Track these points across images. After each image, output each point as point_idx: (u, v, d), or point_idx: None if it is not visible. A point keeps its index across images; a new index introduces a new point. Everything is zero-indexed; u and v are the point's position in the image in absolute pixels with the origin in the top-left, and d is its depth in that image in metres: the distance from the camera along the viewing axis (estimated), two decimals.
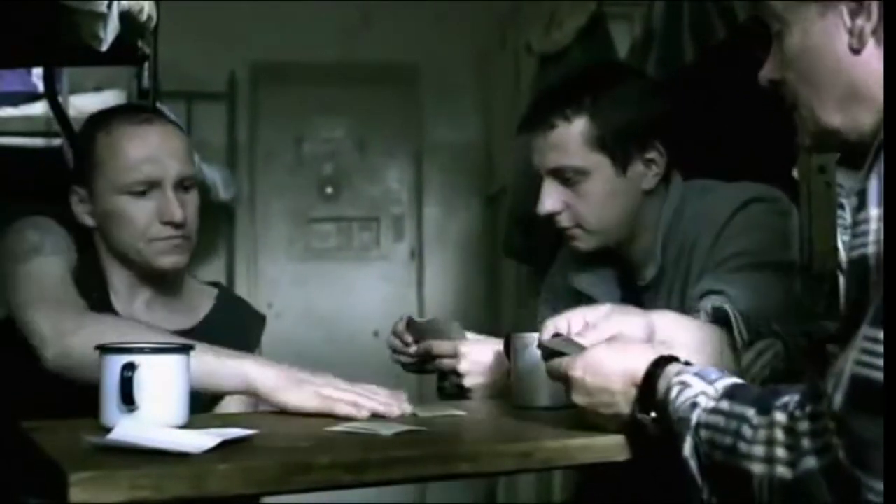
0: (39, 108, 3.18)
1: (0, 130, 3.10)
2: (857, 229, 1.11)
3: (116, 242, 1.88)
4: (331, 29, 5.18)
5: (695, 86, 2.66)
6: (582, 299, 1.96)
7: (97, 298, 1.83)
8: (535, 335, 1.61)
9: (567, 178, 1.88)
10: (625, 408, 1.31)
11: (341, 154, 5.42)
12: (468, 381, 1.80)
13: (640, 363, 1.30)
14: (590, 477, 2.08)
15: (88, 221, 1.89)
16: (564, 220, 1.92)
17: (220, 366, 1.58)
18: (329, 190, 5.41)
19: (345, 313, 5.29)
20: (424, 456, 1.28)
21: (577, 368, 1.35)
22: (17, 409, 1.64)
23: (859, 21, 1.19)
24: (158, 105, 2.12)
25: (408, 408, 1.56)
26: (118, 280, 1.92)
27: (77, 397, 1.51)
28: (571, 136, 1.86)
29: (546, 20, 3.91)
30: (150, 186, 1.85)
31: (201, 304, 2.02)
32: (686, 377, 1.23)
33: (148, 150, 1.85)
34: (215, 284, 2.10)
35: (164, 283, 1.94)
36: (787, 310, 1.72)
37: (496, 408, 1.68)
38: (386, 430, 1.39)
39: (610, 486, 1.91)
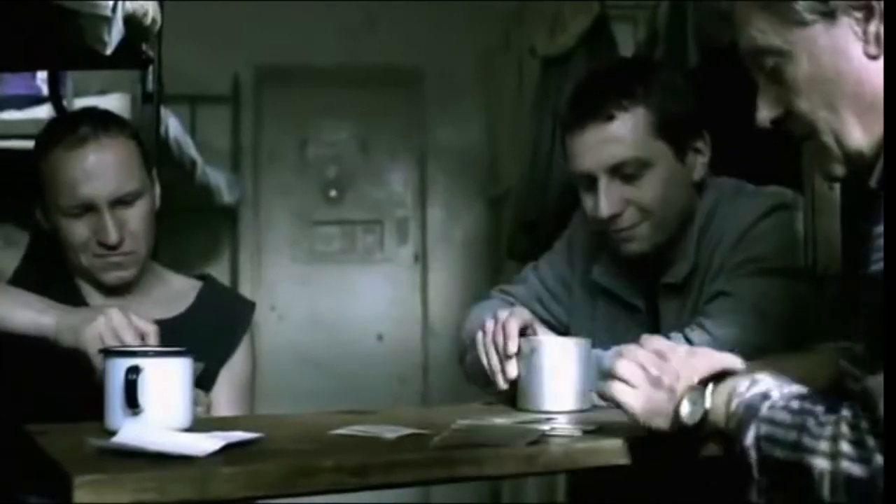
0: (44, 112, 3.18)
1: (5, 134, 3.10)
2: (877, 243, 1.09)
3: (67, 257, 1.90)
4: (334, 32, 5.18)
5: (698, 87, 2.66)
6: (597, 292, 1.94)
7: (66, 298, 1.84)
8: (541, 338, 1.61)
9: (627, 173, 1.77)
10: (671, 401, 1.27)
11: (345, 157, 5.42)
12: None
13: (709, 367, 1.28)
14: (584, 479, 2.07)
15: (47, 229, 1.92)
16: (627, 220, 1.80)
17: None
18: (333, 193, 5.41)
19: (348, 316, 5.29)
20: (428, 459, 1.28)
21: (643, 351, 1.32)
22: (21, 411, 1.65)
23: (872, 26, 1.16)
24: (102, 107, 2.08)
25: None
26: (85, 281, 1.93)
27: (81, 400, 1.51)
28: (633, 126, 1.76)
29: (550, 23, 3.91)
30: (85, 209, 1.85)
31: (184, 295, 2.02)
32: (759, 376, 1.21)
33: (81, 172, 1.84)
34: (203, 277, 2.10)
35: (140, 282, 1.95)
36: (797, 317, 1.71)
37: (501, 412, 1.69)
38: (389, 433, 1.39)
39: (602, 489, 1.90)
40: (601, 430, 1.42)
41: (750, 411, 1.17)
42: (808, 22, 1.20)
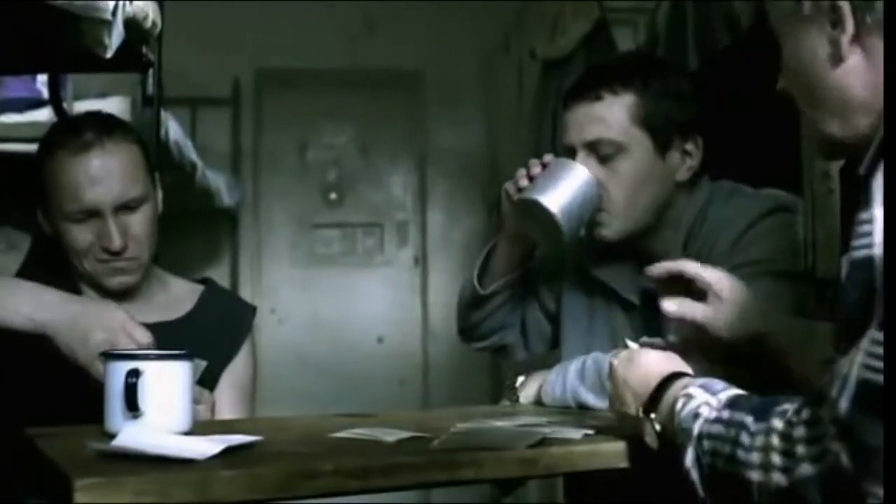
0: (44, 115, 3.18)
1: (5, 137, 3.10)
2: (859, 229, 1.09)
3: (68, 260, 1.91)
4: (335, 35, 5.19)
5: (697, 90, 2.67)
6: (594, 287, 1.96)
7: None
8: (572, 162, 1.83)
9: (603, 154, 1.83)
10: (633, 409, 1.33)
11: (345, 160, 5.42)
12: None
13: (662, 372, 1.32)
14: (579, 479, 2.07)
15: (49, 232, 1.92)
16: None
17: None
18: (333, 196, 5.41)
19: (348, 319, 5.29)
20: (428, 462, 1.28)
21: (621, 360, 1.40)
22: (21, 414, 1.65)
23: (835, 32, 1.20)
24: (105, 111, 2.08)
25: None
26: (87, 285, 1.94)
27: (82, 403, 1.51)
28: (616, 109, 1.83)
29: (550, 26, 3.91)
30: (88, 214, 1.86)
31: (185, 299, 2.02)
32: (691, 389, 1.24)
33: (85, 177, 1.84)
34: (204, 281, 2.11)
35: (143, 285, 1.95)
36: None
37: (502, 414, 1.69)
38: (389, 436, 1.39)
39: (599, 488, 1.90)
40: (601, 432, 1.42)
41: (685, 434, 1.20)
42: (797, 17, 1.25)
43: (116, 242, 1.85)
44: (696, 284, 1.53)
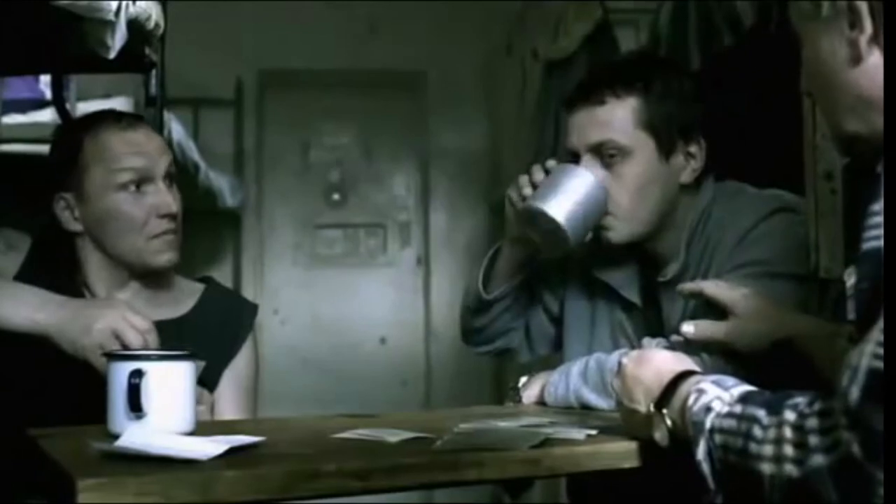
0: (47, 115, 3.19)
1: (8, 137, 3.11)
2: (869, 221, 1.10)
3: (112, 244, 1.91)
4: (337, 36, 5.19)
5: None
6: (596, 288, 1.97)
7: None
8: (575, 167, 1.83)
9: (608, 157, 1.83)
10: (644, 406, 1.33)
11: (348, 160, 5.43)
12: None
13: (674, 370, 1.33)
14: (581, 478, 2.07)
15: (76, 227, 1.92)
16: None
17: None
18: (335, 196, 5.42)
19: (351, 320, 5.29)
20: (430, 462, 1.28)
21: (632, 358, 1.41)
22: (23, 414, 1.66)
23: (854, 33, 1.21)
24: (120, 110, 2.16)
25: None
26: (99, 284, 1.93)
27: (84, 404, 1.52)
28: (620, 113, 1.83)
29: (552, 26, 3.91)
30: (142, 181, 1.90)
31: (188, 297, 2.03)
32: (703, 385, 1.25)
33: (136, 147, 1.91)
34: (205, 280, 2.11)
35: (150, 282, 1.96)
36: None
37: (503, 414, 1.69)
38: (392, 436, 1.39)
39: (600, 486, 1.90)
40: (604, 433, 1.43)
41: (697, 427, 1.21)
42: (817, 18, 1.26)
43: (174, 205, 1.90)
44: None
